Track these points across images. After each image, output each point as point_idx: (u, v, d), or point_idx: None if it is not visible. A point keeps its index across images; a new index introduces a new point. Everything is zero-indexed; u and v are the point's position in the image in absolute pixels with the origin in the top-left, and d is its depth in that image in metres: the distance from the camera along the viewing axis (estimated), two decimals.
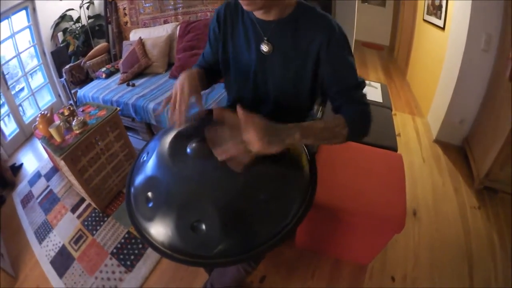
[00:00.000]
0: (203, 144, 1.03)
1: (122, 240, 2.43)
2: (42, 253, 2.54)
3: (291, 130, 0.93)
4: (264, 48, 1.15)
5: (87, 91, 3.82)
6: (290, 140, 0.92)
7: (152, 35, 4.04)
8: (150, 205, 0.98)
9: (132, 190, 1.10)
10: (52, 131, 2.37)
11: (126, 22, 4.67)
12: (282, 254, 2.12)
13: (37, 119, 2.56)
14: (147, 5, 4.27)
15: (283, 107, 1.25)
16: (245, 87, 1.31)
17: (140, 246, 2.34)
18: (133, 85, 3.58)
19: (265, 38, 1.14)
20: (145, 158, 1.14)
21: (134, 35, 4.27)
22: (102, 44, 4.79)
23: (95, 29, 5.17)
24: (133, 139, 3.20)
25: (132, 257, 2.28)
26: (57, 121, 2.50)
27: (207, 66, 1.42)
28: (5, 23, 4.35)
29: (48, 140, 2.47)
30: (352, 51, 3.02)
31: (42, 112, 2.60)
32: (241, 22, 1.20)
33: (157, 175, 1.03)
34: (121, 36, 4.74)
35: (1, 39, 4.25)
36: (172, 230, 0.92)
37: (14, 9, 4.44)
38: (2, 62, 4.35)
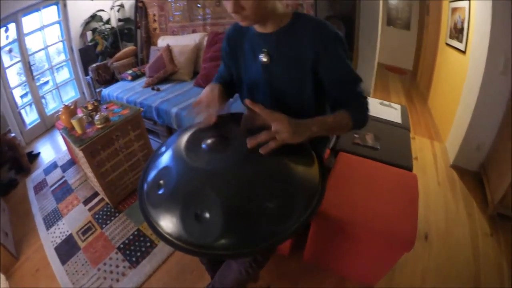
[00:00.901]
0: (218, 141, 1.09)
1: (131, 237, 2.43)
2: (48, 238, 2.58)
3: (309, 124, 1.05)
4: (263, 58, 1.22)
5: (111, 91, 3.91)
6: (308, 132, 1.04)
7: (180, 43, 4.11)
8: (161, 191, 1.02)
9: (147, 177, 1.13)
10: (74, 122, 2.42)
11: (155, 28, 4.78)
12: (288, 266, 2.11)
13: (60, 109, 2.63)
14: (176, 13, 4.36)
15: (291, 112, 1.27)
16: (256, 97, 1.35)
17: (148, 244, 2.34)
18: (158, 89, 3.65)
19: (264, 50, 1.21)
20: (163, 150, 1.19)
21: (162, 42, 4.36)
22: (130, 47, 4.90)
23: (124, 32, 5.29)
24: (154, 142, 3.25)
25: (138, 254, 2.28)
26: (80, 114, 2.55)
27: (223, 82, 1.47)
28: (35, 15, 4.49)
29: (69, 131, 2.53)
30: (375, 72, 3.04)
31: (66, 104, 2.66)
32: (247, 38, 1.29)
33: (171, 165, 1.07)
34: (149, 41, 4.85)
35: (30, 30, 4.43)
36: (177, 217, 0.94)
37: (45, 3, 4.57)
38: (29, 53, 4.49)
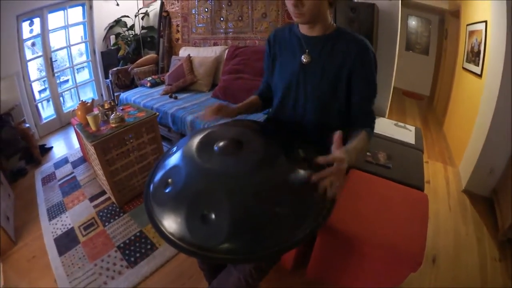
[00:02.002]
0: (231, 145, 1.10)
1: (132, 237, 2.39)
2: (49, 229, 2.60)
3: (352, 154, 1.10)
4: (304, 58, 1.34)
5: (129, 95, 3.96)
6: (352, 162, 1.08)
7: (200, 54, 4.18)
8: (168, 190, 1.02)
9: (155, 175, 1.14)
10: (89, 118, 2.45)
11: (178, 39, 4.88)
12: (290, 281, 2.05)
13: (77, 105, 2.67)
14: (200, 25, 4.47)
15: (323, 112, 1.39)
16: (289, 94, 1.45)
17: (149, 246, 2.30)
18: (176, 97, 3.69)
19: (307, 50, 1.34)
20: (173, 150, 1.20)
21: (184, 52, 4.43)
22: (151, 55, 4.98)
23: (147, 40, 5.38)
24: (166, 149, 3.29)
25: (138, 255, 2.24)
26: (96, 111, 2.58)
27: (267, 87, 1.64)
28: (60, 13, 4.63)
29: (83, 127, 2.56)
30: (390, 96, 3.02)
31: (83, 100, 2.71)
32: (288, 40, 1.42)
33: (181, 165, 1.07)
34: (171, 51, 4.95)
35: (54, 27, 4.60)
36: (182, 217, 0.93)
37: (71, 3, 4.71)
38: (52, 50, 4.64)
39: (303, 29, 1.35)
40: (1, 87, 3.90)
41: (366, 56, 1.25)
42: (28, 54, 4.32)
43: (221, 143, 1.10)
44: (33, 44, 4.41)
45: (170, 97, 3.72)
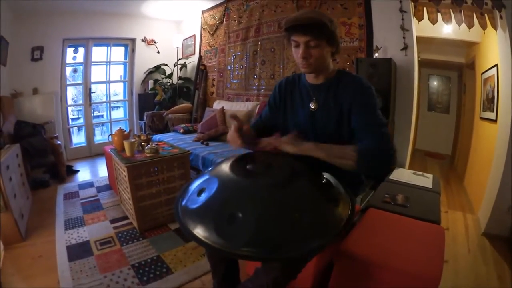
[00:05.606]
0: (262, 165, 1.22)
1: (149, 260, 2.31)
2: (63, 237, 2.61)
3: (306, 143, 1.32)
4: (312, 105, 1.48)
5: (162, 137, 4.13)
6: (305, 146, 1.30)
7: (233, 108, 4.35)
8: (201, 196, 1.09)
9: (190, 186, 1.23)
10: (126, 144, 2.58)
11: (212, 93, 5.11)
12: None
13: (115, 131, 2.82)
14: (234, 81, 4.72)
15: None
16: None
17: (164, 270, 2.20)
18: (207, 144, 3.82)
19: (314, 98, 1.48)
20: (209, 169, 1.32)
21: (217, 105, 4.62)
22: (186, 104, 5.23)
23: (183, 90, 5.59)
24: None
25: (151, 275, 2.14)
26: (133, 140, 2.71)
27: (261, 125, 1.74)
28: (103, 49, 4.99)
29: (117, 152, 2.68)
30: (409, 149, 3.04)
31: (121, 128, 2.86)
32: (297, 89, 1.58)
33: (215, 176, 1.17)
34: (205, 103, 5.16)
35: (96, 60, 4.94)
36: (211, 215, 1.01)
37: (115, 41, 5.07)
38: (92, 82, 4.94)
39: (309, 78, 1.50)
40: (39, 102, 4.12)
41: (362, 89, 1.36)
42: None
43: (253, 163, 1.22)
44: (75, 71, 4.71)
45: (202, 143, 3.85)
